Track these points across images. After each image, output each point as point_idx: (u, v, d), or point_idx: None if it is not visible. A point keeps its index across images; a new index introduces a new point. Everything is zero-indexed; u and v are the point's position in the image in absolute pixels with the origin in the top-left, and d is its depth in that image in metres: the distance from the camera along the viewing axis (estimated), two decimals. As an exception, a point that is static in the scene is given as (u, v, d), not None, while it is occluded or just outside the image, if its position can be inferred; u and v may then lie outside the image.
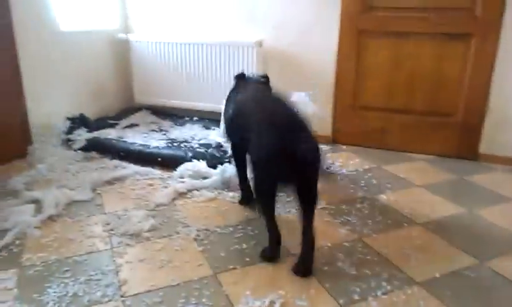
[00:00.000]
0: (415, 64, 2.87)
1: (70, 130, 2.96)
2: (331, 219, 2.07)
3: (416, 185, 2.49)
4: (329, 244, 1.84)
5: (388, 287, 1.58)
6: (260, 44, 3.13)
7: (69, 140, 2.87)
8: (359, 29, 2.92)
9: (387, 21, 2.86)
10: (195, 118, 3.44)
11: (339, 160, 2.83)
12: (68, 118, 3.06)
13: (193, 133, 3.18)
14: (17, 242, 1.82)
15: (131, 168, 2.58)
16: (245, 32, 3.22)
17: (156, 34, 3.50)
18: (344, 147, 3.12)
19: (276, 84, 3.21)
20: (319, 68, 3.10)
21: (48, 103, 2.96)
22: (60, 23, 3.00)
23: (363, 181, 2.52)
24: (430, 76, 2.86)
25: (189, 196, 2.29)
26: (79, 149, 2.78)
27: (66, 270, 1.63)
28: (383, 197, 2.32)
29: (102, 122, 3.25)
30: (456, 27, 2.74)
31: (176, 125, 3.40)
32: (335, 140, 3.19)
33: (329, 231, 1.96)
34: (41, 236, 1.85)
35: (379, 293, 1.55)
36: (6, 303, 1.46)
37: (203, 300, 1.49)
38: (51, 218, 2.01)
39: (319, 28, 3.02)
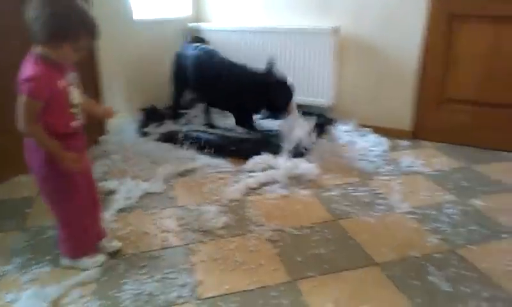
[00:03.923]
0: (513, 53, 2.54)
1: (144, 122, 2.99)
2: (419, 225, 1.88)
3: (513, 189, 2.21)
4: (418, 255, 1.66)
5: (491, 310, 1.38)
6: (336, 31, 2.94)
7: (143, 131, 2.90)
8: (451, 13, 2.63)
9: (484, 4, 2.54)
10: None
11: (421, 158, 2.60)
12: (142, 109, 3.10)
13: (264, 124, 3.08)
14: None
15: (202, 160, 2.55)
16: (321, 18, 3.04)
17: (228, 22, 3.43)
18: (427, 143, 2.86)
19: (353, 74, 3.05)
20: (401, 56, 2.85)
21: (122, 92, 3.00)
22: (133, 12, 3.02)
23: (451, 183, 2.27)
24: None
25: (260, 192, 2.20)
26: (154, 140, 2.80)
27: (143, 266, 1.61)
28: (476, 202, 2.07)
29: (173, 112, 3.25)
30: None
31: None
32: (415, 135, 2.93)
33: (416, 239, 1.77)
34: (117, 229, 1.86)
35: (480, 316, 1.36)
36: (85, 298, 1.46)
37: (282, 309, 1.40)
38: (125, 209, 2.02)
39: (402, 12, 2.77)
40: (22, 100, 1.31)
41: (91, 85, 2.73)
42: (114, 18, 2.87)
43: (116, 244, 1.71)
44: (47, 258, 1.67)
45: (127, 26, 2.98)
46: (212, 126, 3.02)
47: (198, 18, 3.57)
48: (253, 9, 3.33)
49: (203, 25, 3.44)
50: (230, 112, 2.97)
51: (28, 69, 1.32)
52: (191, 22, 3.50)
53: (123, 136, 2.84)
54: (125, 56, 2.99)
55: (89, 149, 2.71)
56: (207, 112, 3.11)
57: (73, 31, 1.33)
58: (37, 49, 1.35)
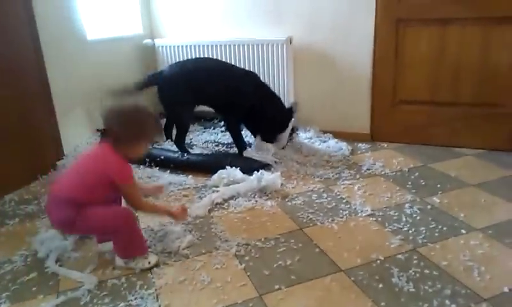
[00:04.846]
0: (459, 52, 2.65)
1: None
2: (380, 227, 1.92)
3: (469, 184, 2.30)
4: (381, 257, 1.69)
5: (453, 306, 1.42)
6: (290, 40, 2.98)
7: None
8: (397, 18, 2.73)
9: (427, 7, 2.65)
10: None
11: (380, 160, 2.66)
12: (98, 130, 3.02)
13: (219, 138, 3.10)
14: (58, 264, 1.76)
15: (165, 178, 2.51)
16: (274, 29, 3.08)
17: (182, 37, 3.41)
18: (385, 145, 2.95)
19: (310, 82, 3.10)
20: (353, 62, 2.93)
21: (77, 115, 2.92)
22: (86, 32, 2.95)
23: (409, 183, 2.34)
24: (477, 65, 2.64)
25: (225, 206, 2.19)
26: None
27: (105, 295, 1.56)
28: (434, 199, 2.14)
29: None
30: (504, 9, 2.50)
31: (205, 128, 3.32)
32: (374, 138, 3.01)
33: (379, 241, 1.80)
34: (80, 258, 1.79)
35: (443, 313, 1.39)
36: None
37: (250, 326, 1.38)
38: (85, 236, 1.94)
39: (352, 20, 2.85)
40: (130, 187, 1.65)
41: (43, 106, 2.64)
42: (67, 39, 2.80)
43: (152, 258, 1.73)
44: (4, 294, 1.60)
45: (80, 46, 2.91)
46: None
47: (151, 34, 3.53)
48: (207, 23, 3.34)
49: (158, 42, 3.41)
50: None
51: (120, 162, 1.62)
52: (145, 39, 3.46)
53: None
54: (78, 77, 2.91)
55: (46, 175, 2.62)
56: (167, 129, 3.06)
57: (150, 132, 1.72)
58: (112, 145, 1.62)
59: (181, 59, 3.26)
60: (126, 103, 1.79)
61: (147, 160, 2.66)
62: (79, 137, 2.92)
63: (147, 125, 1.70)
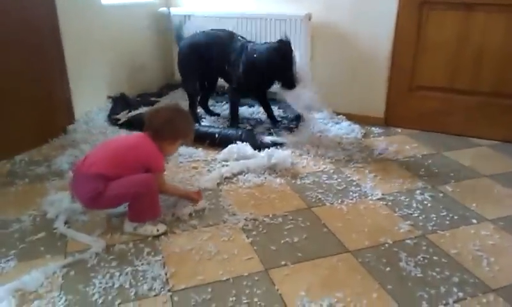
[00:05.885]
0: (482, 40, 2.58)
1: (113, 109, 2.91)
2: (390, 211, 1.90)
3: (482, 174, 2.26)
4: (389, 241, 1.67)
5: (460, 294, 1.41)
6: (309, 17, 2.91)
7: (112, 119, 2.82)
8: (421, 0, 2.64)
9: (453, -10, 2.57)
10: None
11: (393, 145, 2.62)
12: (110, 97, 3.01)
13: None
14: (67, 226, 1.77)
15: (174, 149, 2.50)
16: (293, 5, 3.01)
17: (198, 7, 3.35)
18: (399, 130, 2.90)
19: (326, 61, 3.04)
20: (372, 43, 2.86)
21: (89, 80, 2.90)
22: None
23: (422, 170, 2.31)
24: (500, 54, 2.57)
25: (234, 181, 2.18)
26: (123, 127, 2.72)
27: (112, 259, 1.57)
28: (447, 188, 2.11)
29: (143, 99, 3.18)
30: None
31: (216, 102, 3.29)
32: (388, 122, 2.97)
33: (388, 225, 1.79)
34: (86, 221, 1.80)
35: (450, 300, 1.38)
36: (52, 293, 1.41)
37: (255, 299, 1.38)
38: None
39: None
40: (161, 175, 1.80)
41: (56, 70, 2.63)
42: (81, 2, 2.76)
43: (161, 227, 1.74)
44: (12, 252, 1.61)
45: (95, 10, 2.87)
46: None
47: (167, 2, 3.47)
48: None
49: (173, 10, 3.35)
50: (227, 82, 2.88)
51: (158, 153, 1.77)
52: (160, 7, 3.40)
53: (91, 124, 2.75)
54: (92, 42, 2.88)
55: (57, 138, 2.63)
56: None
57: (186, 134, 1.88)
58: (149, 135, 1.77)
59: (196, 30, 3.22)
60: (169, 104, 1.98)
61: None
62: (90, 103, 2.90)
63: (185, 128, 1.88)
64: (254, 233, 1.74)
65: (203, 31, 2.85)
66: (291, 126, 2.80)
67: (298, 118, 2.88)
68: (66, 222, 1.78)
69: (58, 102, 2.67)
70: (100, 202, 1.67)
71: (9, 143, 2.39)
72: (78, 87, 2.77)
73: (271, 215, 1.86)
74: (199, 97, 2.98)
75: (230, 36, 2.75)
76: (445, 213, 1.88)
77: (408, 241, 1.68)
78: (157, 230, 1.72)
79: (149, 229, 1.72)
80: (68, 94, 2.71)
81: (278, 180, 2.19)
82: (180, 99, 3.08)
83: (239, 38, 2.73)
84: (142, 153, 1.75)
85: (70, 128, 2.70)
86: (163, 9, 3.39)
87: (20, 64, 2.40)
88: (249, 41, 2.72)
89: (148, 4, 3.35)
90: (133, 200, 1.69)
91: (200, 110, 3.02)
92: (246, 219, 1.82)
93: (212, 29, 2.84)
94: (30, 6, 2.42)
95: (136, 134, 1.87)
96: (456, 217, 1.86)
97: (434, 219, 1.84)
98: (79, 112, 2.80)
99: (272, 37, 3.00)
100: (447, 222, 1.82)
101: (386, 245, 1.66)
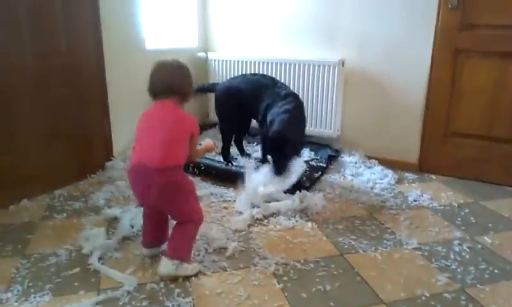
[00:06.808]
0: (520, 88, 2.54)
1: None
2: (426, 262, 1.84)
3: (524, 226, 2.17)
4: (426, 294, 1.61)
5: (504, 356, 1.33)
6: (342, 63, 2.96)
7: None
8: (457, 48, 2.65)
9: (489, 40, 2.56)
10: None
11: (428, 192, 2.56)
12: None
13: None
14: (101, 262, 1.80)
15: (206, 188, 2.54)
16: (327, 50, 3.07)
17: (235, 52, 3.47)
18: (433, 177, 2.84)
19: (359, 106, 3.06)
20: (406, 89, 2.86)
21: (129, 119, 3.00)
22: (146, 41, 3.07)
23: (459, 219, 2.24)
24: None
25: (265, 223, 2.17)
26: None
27: (143, 298, 1.57)
28: (486, 239, 2.03)
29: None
30: None
31: (250, 144, 3.33)
32: (422, 168, 2.91)
33: (424, 277, 1.72)
34: (120, 258, 1.83)
35: None
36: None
37: (286, 349, 1.35)
38: (129, 238, 1.99)
39: (408, 46, 2.80)
40: (197, 135, 1.80)
41: (99, 110, 2.75)
42: (128, 46, 2.92)
43: (196, 266, 1.75)
44: (48, 286, 1.65)
45: (140, 54, 3.01)
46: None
47: (205, 47, 3.62)
48: (260, 40, 3.38)
49: (210, 55, 3.49)
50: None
51: (191, 116, 1.78)
52: (199, 51, 3.55)
53: (128, 162, 2.83)
54: (135, 84, 3.00)
55: (95, 174, 2.72)
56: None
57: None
58: (174, 101, 1.78)
59: (231, 74, 3.33)
60: (172, 61, 1.97)
61: (190, 166, 2.71)
62: (128, 141, 3.00)
63: (189, 75, 1.92)
64: (285, 278, 1.71)
65: (243, 75, 2.93)
66: (320, 165, 2.79)
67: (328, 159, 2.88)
68: (100, 258, 1.82)
69: (98, 140, 2.79)
70: (175, 198, 1.68)
71: (50, 178, 2.50)
72: (118, 125, 2.88)
73: (302, 261, 1.83)
74: (233, 137, 3.00)
75: (271, 81, 2.75)
76: (484, 266, 1.80)
77: (446, 295, 1.61)
78: (191, 270, 1.71)
79: (189, 268, 1.71)
80: (108, 133, 2.83)
81: (309, 223, 2.17)
82: (213, 138, 3.16)
83: (278, 85, 2.72)
84: (186, 123, 1.75)
85: (108, 165, 2.79)
86: (201, 53, 3.54)
87: (65, 101, 2.54)
88: (285, 90, 2.67)
89: (188, 49, 3.50)
90: (183, 227, 1.70)
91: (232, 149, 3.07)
92: (276, 264, 1.80)
93: (252, 73, 2.91)
94: (79, 49, 2.58)
95: (165, 107, 1.78)
96: (496, 271, 1.77)
97: (473, 272, 1.76)
98: (117, 150, 2.90)
99: (307, 82, 3.06)
100: (487, 276, 1.74)
101: (423, 298, 1.59)
